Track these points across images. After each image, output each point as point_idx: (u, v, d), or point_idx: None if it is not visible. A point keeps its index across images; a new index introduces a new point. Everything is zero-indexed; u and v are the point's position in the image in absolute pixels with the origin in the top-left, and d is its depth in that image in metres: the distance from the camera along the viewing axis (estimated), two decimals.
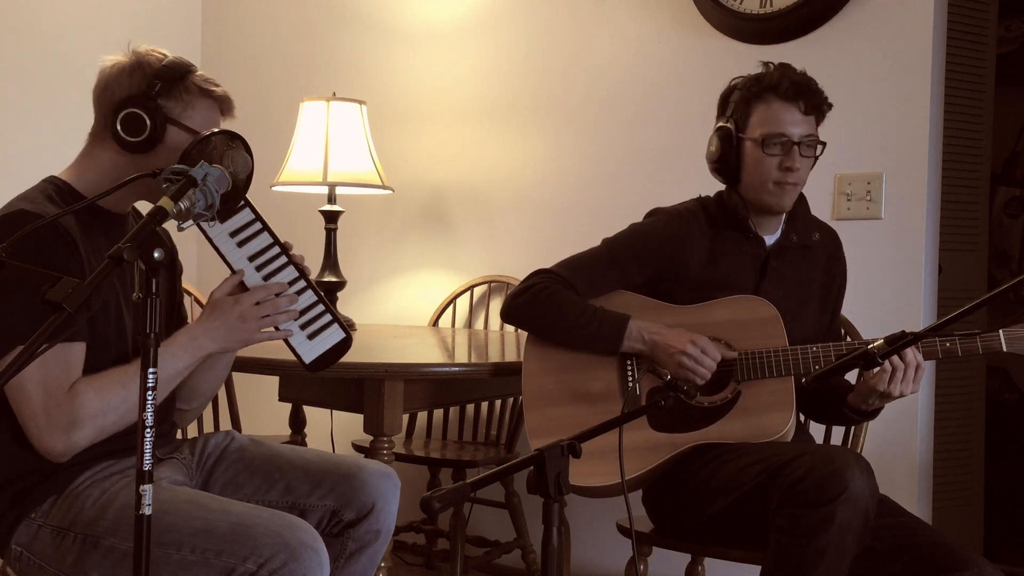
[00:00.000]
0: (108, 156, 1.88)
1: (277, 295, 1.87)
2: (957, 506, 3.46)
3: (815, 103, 2.22)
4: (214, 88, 1.92)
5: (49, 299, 1.27)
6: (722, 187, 2.34)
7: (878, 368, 2.01)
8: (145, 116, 1.82)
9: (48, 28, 3.80)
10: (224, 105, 1.94)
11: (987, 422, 3.72)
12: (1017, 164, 4.44)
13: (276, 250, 1.90)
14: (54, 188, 1.86)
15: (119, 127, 1.82)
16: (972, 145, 3.46)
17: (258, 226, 1.89)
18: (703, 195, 2.38)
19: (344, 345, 1.93)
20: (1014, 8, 4.19)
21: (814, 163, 2.26)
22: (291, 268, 1.91)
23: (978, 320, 3.60)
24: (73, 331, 1.69)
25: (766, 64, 2.26)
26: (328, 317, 1.92)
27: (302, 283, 1.91)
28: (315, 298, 1.92)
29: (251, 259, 1.88)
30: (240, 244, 1.88)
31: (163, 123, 1.84)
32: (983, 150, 3.54)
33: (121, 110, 1.83)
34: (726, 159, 2.25)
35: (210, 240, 1.86)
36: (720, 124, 2.28)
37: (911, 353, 2.01)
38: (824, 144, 2.25)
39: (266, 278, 1.88)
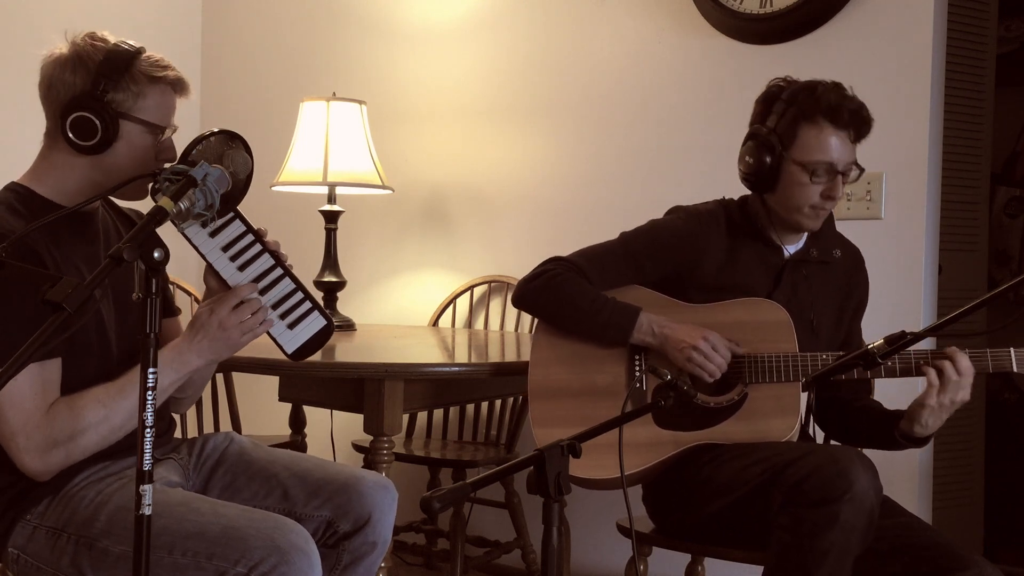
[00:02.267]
0: (64, 158, 1.81)
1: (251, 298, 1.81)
2: (957, 506, 3.46)
3: (865, 132, 2.18)
4: (163, 72, 1.83)
5: (49, 299, 1.27)
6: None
7: (925, 388, 2.02)
8: (94, 118, 1.75)
9: (47, 28, 3.80)
10: (178, 87, 1.86)
11: (987, 422, 3.72)
12: (1017, 164, 4.44)
13: (250, 238, 1.83)
14: (15, 196, 1.81)
15: (70, 132, 1.76)
16: (972, 145, 3.46)
17: (230, 214, 1.82)
18: (726, 197, 2.35)
19: (326, 332, 1.89)
20: (1014, 8, 4.19)
21: None
22: (266, 256, 1.84)
23: (978, 320, 3.60)
24: (49, 348, 1.60)
25: (819, 83, 2.17)
26: (308, 305, 1.87)
27: (279, 271, 1.85)
28: (293, 286, 1.86)
29: (224, 249, 1.81)
30: (212, 234, 1.80)
31: (115, 120, 1.77)
32: (983, 150, 3.53)
33: (69, 114, 1.76)
34: (762, 171, 2.19)
35: (190, 241, 1.81)
36: (762, 132, 2.20)
37: (950, 367, 2.01)
38: (863, 170, 2.21)
39: (241, 268, 1.82)
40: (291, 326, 1.86)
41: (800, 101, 2.16)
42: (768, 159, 2.18)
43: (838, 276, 2.33)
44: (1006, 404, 4.36)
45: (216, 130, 1.74)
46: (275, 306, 1.85)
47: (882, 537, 2.04)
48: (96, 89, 1.76)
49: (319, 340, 1.88)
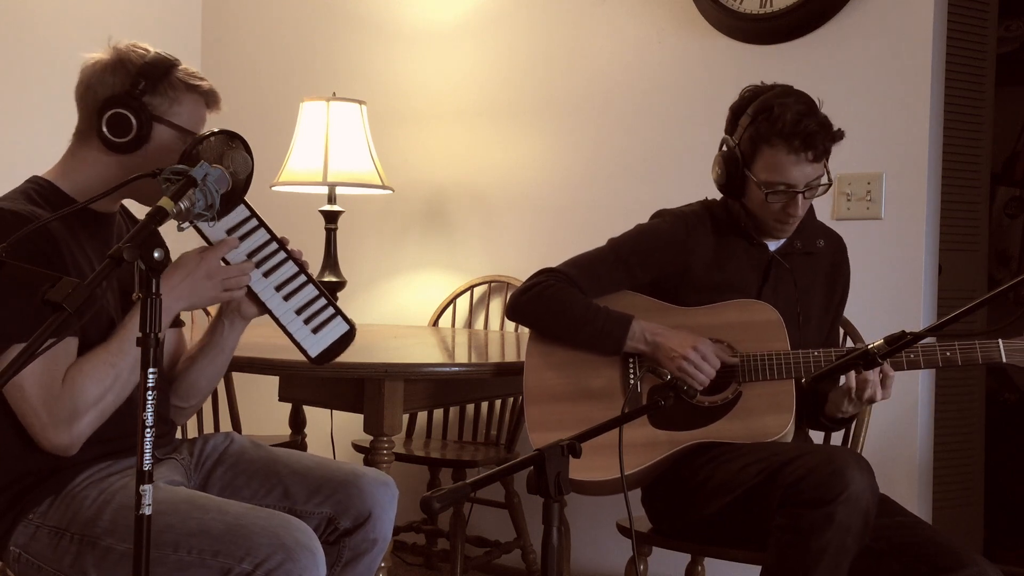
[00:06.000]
0: (94, 156, 1.85)
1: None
2: (957, 506, 3.46)
3: (824, 149, 2.17)
4: (199, 82, 1.88)
5: (49, 299, 1.27)
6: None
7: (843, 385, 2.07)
8: (131, 116, 1.80)
9: (47, 28, 3.80)
10: (210, 99, 1.91)
11: (987, 422, 3.72)
12: (1017, 164, 4.44)
13: (274, 246, 1.90)
14: (35, 188, 1.83)
15: (105, 128, 1.80)
16: (972, 145, 3.46)
17: (254, 222, 1.89)
18: (709, 198, 2.37)
19: (349, 336, 1.94)
20: (1014, 8, 4.18)
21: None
22: (290, 263, 1.91)
23: (978, 320, 3.61)
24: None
25: (784, 94, 2.17)
26: (331, 310, 1.93)
27: (303, 278, 1.91)
28: (316, 292, 1.92)
29: (249, 256, 1.87)
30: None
31: (149, 121, 1.81)
32: (983, 150, 3.54)
33: (106, 110, 1.80)
34: (730, 182, 2.23)
35: (207, 240, 1.85)
36: (727, 147, 2.24)
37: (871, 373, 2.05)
38: (830, 184, 2.22)
39: (266, 274, 1.89)
40: (315, 331, 1.91)
41: (759, 122, 2.17)
42: (733, 173, 2.22)
43: (824, 265, 2.36)
44: (1006, 404, 4.36)
45: (216, 130, 1.75)
46: (299, 311, 1.91)
47: (881, 536, 2.04)
48: (135, 89, 1.81)
49: (342, 344, 1.93)
